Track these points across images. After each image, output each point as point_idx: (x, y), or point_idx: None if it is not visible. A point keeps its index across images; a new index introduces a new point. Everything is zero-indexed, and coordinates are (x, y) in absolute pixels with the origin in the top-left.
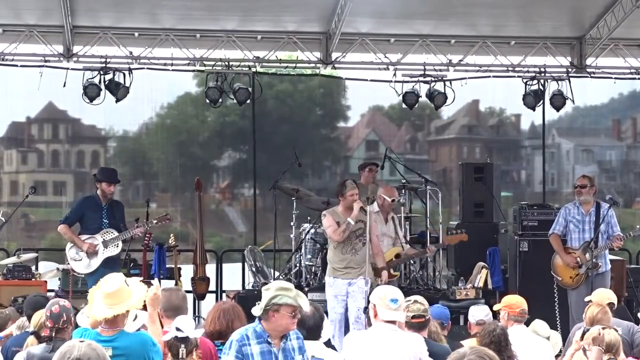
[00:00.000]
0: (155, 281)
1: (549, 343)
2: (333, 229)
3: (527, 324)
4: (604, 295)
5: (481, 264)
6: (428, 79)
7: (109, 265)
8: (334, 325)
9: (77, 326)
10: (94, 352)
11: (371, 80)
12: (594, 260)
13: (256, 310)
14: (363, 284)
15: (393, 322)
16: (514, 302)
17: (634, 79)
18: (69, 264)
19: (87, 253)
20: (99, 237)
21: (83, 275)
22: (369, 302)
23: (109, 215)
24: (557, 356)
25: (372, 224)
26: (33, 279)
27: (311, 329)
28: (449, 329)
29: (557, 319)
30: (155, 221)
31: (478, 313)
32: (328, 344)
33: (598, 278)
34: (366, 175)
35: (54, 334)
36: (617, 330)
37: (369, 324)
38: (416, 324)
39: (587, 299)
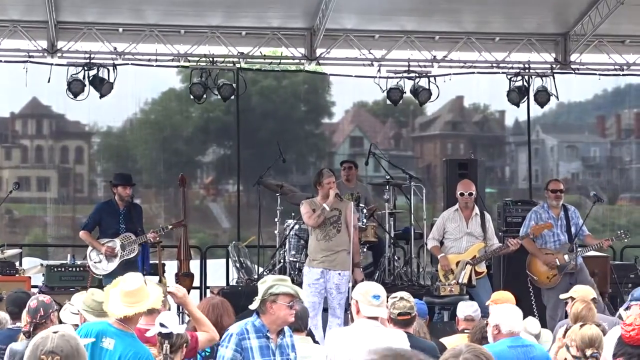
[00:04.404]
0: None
1: (534, 340)
2: (309, 214)
3: None
4: (587, 293)
5: (465, 260)
6: (412, 75)
7: (127, 268)
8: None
9: (60, 322)
10: (67, 343)
11: (355, 76)
12: (572, 261)
13: (254, 304)
14: (338, 279)
15: (375, 319)
16: (499, 297)
17: (618, 75)
18: (89, 265)
19: (105, 256)
20: (117, 241)
21: (101, 277)
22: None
23: (126, 220)
24: None
25: (349, 214)
26: (17, 275)
27: (300, 317)
28: (426, 324)
29: (536, 317)
30: (170, 227)
31: (466, 309)
32: (309, 332)
33: (579, 275)
34: (342, 174)
35: (31, 329)
36: (599, 326)
37: (352, 320)
38: (402, 321)
39: (562, 296)
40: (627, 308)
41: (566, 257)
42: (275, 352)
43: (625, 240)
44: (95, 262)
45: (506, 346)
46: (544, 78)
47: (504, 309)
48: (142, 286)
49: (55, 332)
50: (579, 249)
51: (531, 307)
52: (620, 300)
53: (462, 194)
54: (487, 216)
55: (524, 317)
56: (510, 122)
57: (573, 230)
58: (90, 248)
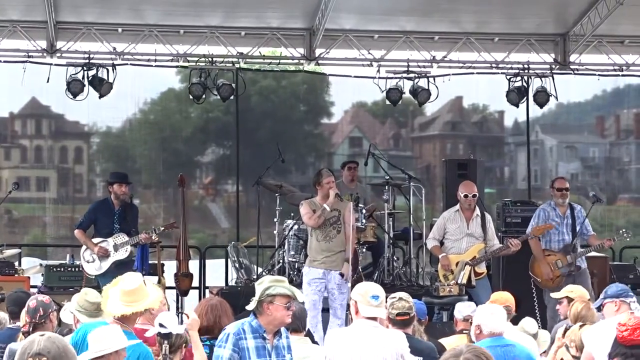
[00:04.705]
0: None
1: (534, 341)
2: (309, 215)
3: (515, 320)
4: (583, 292)
5: (465, 260)
6: (412, 75)
7: (120, 268)
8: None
9: (60, 322)
10: (54, 345)
11: (355, 77)
12: (575, 262)
13: (251, 305)
14: (339, 279)
15: (374, 319)
16: (499, 297)
17: (617, 75)
18: (81, 265)
19: (98, 256)
20: (110, 240)
21: (94, 276)
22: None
23: (121, 220)
24: (543, 353)
25: (347, 214)
26: (16, 275)
27: (298, 318)
28: (425, 324)
29: (537, 317)
30: (162, 228)
31: (465, 309)
32: (307, 333)
33: (579, 277)
34: (345, 174)
35: (31, 329)
36: None
37: (351, 320)
38: (401, 321)
39: (555, 295)
40: (601, 306)
41: (568, 257)
42: (272, 353)
43: (627, 239)
44: (88, 262)
45: (486, 346)
46: (543, 78)
47: (486, 309)
48: (141, 286)
49: (42, 335)
50: (580, 250)
51: (532, 307)
52: None
53: (465, 196)
54: (488, 217)
55: (525, 317)
56: (510, 123)
57: (578, 229)
58: (84, 247)
